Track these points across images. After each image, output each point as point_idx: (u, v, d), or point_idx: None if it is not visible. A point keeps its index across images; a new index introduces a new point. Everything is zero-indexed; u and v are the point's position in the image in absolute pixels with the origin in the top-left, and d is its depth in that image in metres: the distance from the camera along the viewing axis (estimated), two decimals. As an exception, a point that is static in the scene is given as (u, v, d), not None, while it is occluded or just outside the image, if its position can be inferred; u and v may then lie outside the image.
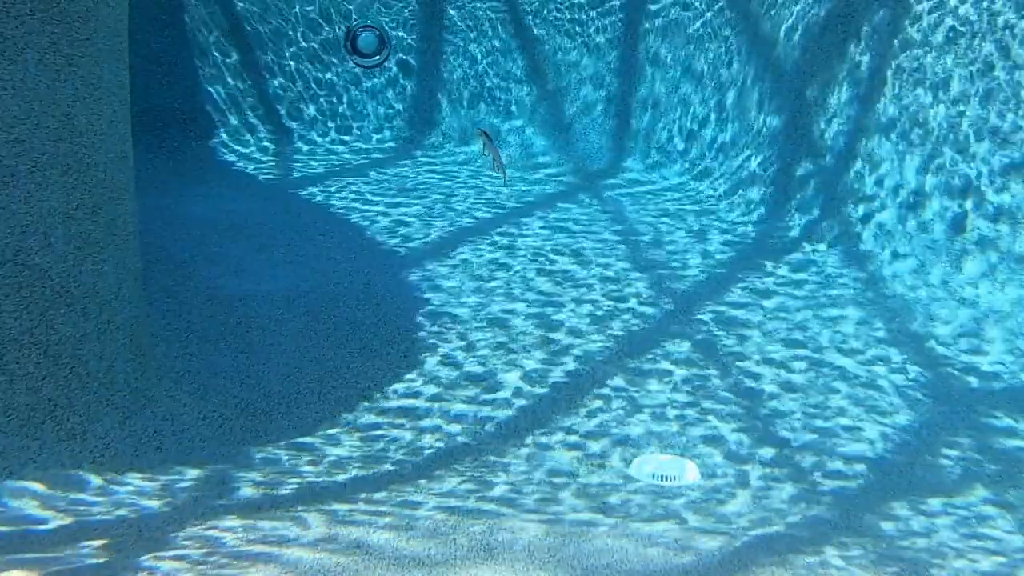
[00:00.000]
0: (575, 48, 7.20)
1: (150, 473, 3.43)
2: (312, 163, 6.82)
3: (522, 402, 4.08)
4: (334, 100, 7.23)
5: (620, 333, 4.63)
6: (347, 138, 7.18)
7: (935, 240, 5.14)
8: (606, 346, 4.52)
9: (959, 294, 4.91)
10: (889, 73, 5.50)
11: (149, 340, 3.97)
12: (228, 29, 7.07)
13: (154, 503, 3.25)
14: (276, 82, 7.15)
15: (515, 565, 2.92)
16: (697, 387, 4.21)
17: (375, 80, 7.26)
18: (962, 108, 5.15)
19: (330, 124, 7.21)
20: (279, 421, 3.88)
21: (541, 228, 5.84)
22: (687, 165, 6.68)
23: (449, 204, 6.18)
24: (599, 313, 4.82)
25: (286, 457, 3.66)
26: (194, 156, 6.77)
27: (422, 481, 3.50)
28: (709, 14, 6.75)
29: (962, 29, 5.20)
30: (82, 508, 3.17)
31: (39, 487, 3.22)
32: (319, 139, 7.15)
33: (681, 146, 6.79)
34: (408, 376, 4.23)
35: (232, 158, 6.82)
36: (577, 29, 7.19)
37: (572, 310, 4.85)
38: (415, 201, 6.21)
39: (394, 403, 4.05)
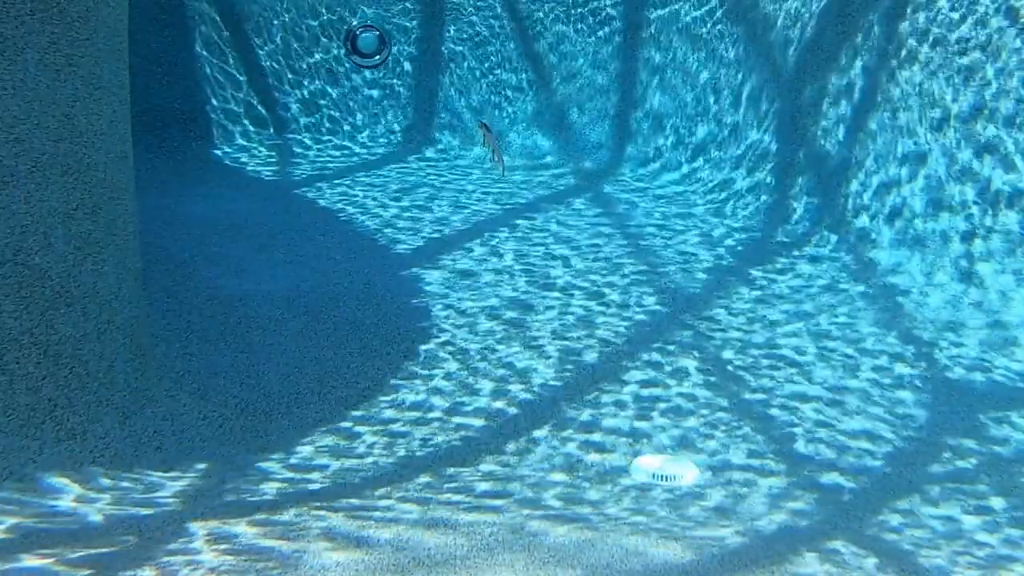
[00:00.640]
0: (576, 48, 7.20)
1: (150, 473, 3.43)
2: (312, 163, 6.82)
3: (521, 402, 4.08)
4: (334, 100, 7.23)
5: (620, 333, 4.63)
6: (347, 138, 7.18)
7: (936, 240, 5.14)
8: (607, 346, 4.51)
9: (960, 294, 4.91)
10: (889, 73, 5.50)
11: (149, 340, 3.97)
12: (228, 29, 7.07)
13: (154, 503, 3.25)
14: (276, 82, 7.15)
15: (515, 565, 2.92)
16: (696, 387, 4.21)
17: (375, 80, 7.26)
18: (963, 108, 5.15)
19: (330, 124, 7.21)
20: (279, 421, 3.88)
21: (541, 228, 5.84)
22: (686, 165, 6.68)
23: (450, 203, 6.18)
24: (599, 313, 4.82)
25: (287, 456, 3.66)
26: (194, 156, 6.77)
27: (422, 480, 3.50)
28: (709, 15, 6.75)
29: (962, 29, 5.20)
30: (82, 508, 3.18)
31: (39, 487, 3.22)
32: (319, 139, 7.15)
33: (680, 146, 6.79)
34: (408, 376, 4.23)
35: (232, 158, 6.82)
36: (578, 29, 7.19)
37: (572, 310, 4.85)
38: (415, 201, 6.21)
39: (393, 403, 4.05)
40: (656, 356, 4.45)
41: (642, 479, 3.59)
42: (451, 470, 3.60)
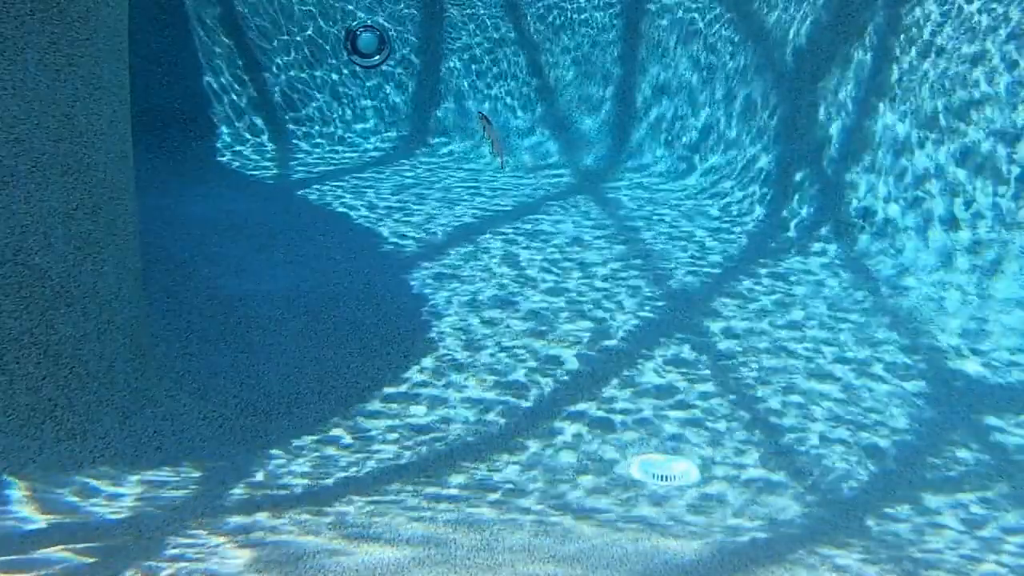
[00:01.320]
0: (576, 48, 7.20)
1: (150, 473, 3.43)
2: (312, 163, 6.83)
3: (521, 401, 4.08)
4: (334, 100, 7.23)
5: (621, 333, 4.63)
6: (347, 138, 7.18)
7: (936, 240, 5.14)
8: (607, 345, 4.51)
9: (961, 294, 4.91)
10: (889, 73, 5.50)
11: (149, 340, 3.97)
12: (228, 29, 7.07)
13: (153, 503, 3.25)
14: (276, 82, 7.15)
15: (515, 565, 2.92)
16: (696, 386, 4.21)
17: (375, 80, 7.26)
18: (963, 108, 5.15)
19: (330, 124, 7.21)
20: (279, 421, 3.88)
21: (541, 227, 5.84)
22: (687, 165, 6.68)
23: (450, 203, 6.18)
24: (599, 313, 4.82)
25: (289, 456, 3.66)
26: (194, 156, 6.77)
27: (422, 480, 3.50)
28: (709, 15, 6.75)
29: (963, 29, 5.20)
30: (82, 508, 3.18)
31: (37, 487, 3.22)
32: (319, 139, 7.15)
33: (681, 146, 6.79)
34: (408, 376, 4.23)
35: (232, 158, 6.82)
36: (578, 28, 7.19)
37: (573, 309, 4.85)
38: (416, 200, 6.21)
39: (394, 402, 4.05)
40: (656, 355, 4.44)
41: (642, 479, 3.59)
42: (450, 470, 3.60)
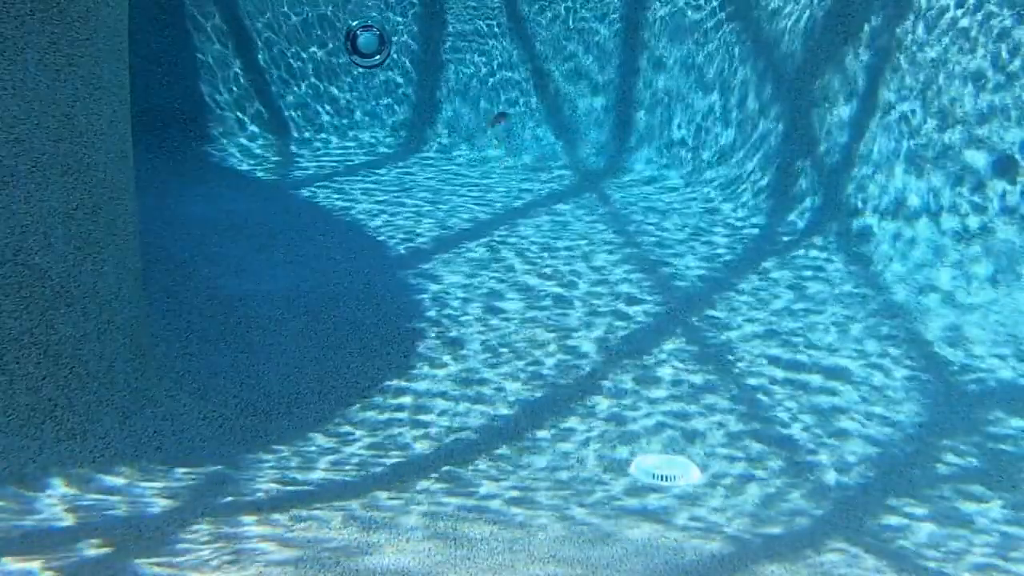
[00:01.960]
0: (577, 47, 7.20)
1: (150, 473, 3.43)
2: (312, 163, 6.83)
3: (521, 401, 4.08)
4: (334, 100, 7.24)
5: (621, 333, 4.63)
6: (347, 138, 7.19)
7: (936, 240, 5.14)
8: (608, 344, 4.52)
9: (961, 294, 4.91)
10: (889, 73, 5.50)
11: (149, 340, 3.97)
12: (229, 29, 7.07)
13: (153, 503, 3.25)
14: (276, 81, 7.15)
15: (515, 565, 2.92)
16: (696, 387, 4.21)
17: (376, 80, 7.26)
18: (964, 108, 5.15)
19: (330, 124, 7.22)
20: (279, 421, 3.88)
21: (542, 227, 5.84)
22: (687, 165, 6.68)
23: (450, 203, 6.18)
24: (599, 312, 4.82)
25: (289, 455, 3.66)
26: (194, 156, 6.77)
27: (421, 480, 3.50)
28: (710, 15, 6.75)
29: (963, 28, 5.20)
30: (81, 508, 3.18)
31: (38, 487, 3.23)
32: (319, 139, 7.15)
33: (681, 146, 6.79)
34: (408, 376, 4.23)
35: (232, 158, 6.82)
36: (579, 28, 7.19)
37: (573, 309, 4.85)
38: (416, 201, 6.22)
39: (394, 401, 4.05)
40: (656, 355, 4.45)
41: (642, 479, 3.59)
42: (450, 469, 3.60)
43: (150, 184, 5.97)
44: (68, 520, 3.09)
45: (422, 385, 4.17)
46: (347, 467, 3.59)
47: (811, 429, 3.93)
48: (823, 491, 3.54)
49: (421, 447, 3.75)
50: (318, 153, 6.99)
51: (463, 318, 4.74)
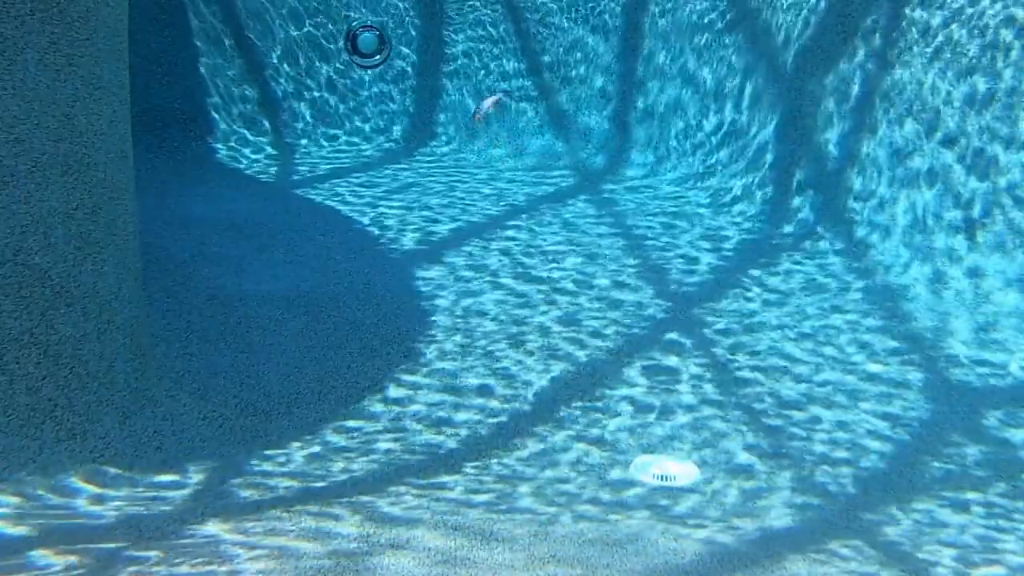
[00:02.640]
0: (576, 47, 7.20)
1: (150, 473, 3.43)
2: (312, 163, 6.82)
3: (522, 401, 4.08)
4: (334, 100, 7.24)
5: (621, 333, 4.63)
6: (347, 138, 7.18)
7: (936, 240, 5.14)
8: (608, 346, 4.52)
9: (961, 294, 4.91)
10: (889, 72, 5.50)
11: (149, 340, 3.97)
12: (228, 29, 7.07)
13: (153, 503, 3.25)
14: (276, 82, 7.15)
15: (515, 564, 2.92)
16: (697, 387, 4.21)
17: (375, 80, 7.26)
18: (964, 108, 5.15)
19: (330, 124, 7.21)
20: (279, 421, 3.88)
21: (542, 227, 5.84)
22: (687, 165, 6.68)
23: (450, 203, 6.18)
24: (600, 312, 4.82)
25: (289, 455, 3.66)
26: (194, 156, 6.77)
27: (420, 480, 3.50)
28: (710, 16, 6.75)
29: (964, 28, 5.20)
30: (82, 508, 3.18)
31: (37, 487, 3.23)
32: (319, 139, 7.15)
33: (681, 146, 6.79)
34: (408, 376, 4.23)
35: (232, 158, 6.82)
36: (578, 27, 7.19)
37: (573, 309, 4.85)
38: (416, 200, 6.21)
39: (394, 402, 4.05)
40: (656, 355, 4.45)
41: (642, 478, 3.59)
42: (450, 468, 3.60)
43: (150, 184, 5.97)
44: (68, 520, 3.09)
45: (422, 384, 4.17)
46: (347, 467, 3.59)
47: (811, 428, 3.93)
48: (823, 491, 3.54)
49: (422, 447, 3.75)
50: (318, 153, 6.99)
51: (464, 318, 4.74)
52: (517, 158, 7.04)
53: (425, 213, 6.02)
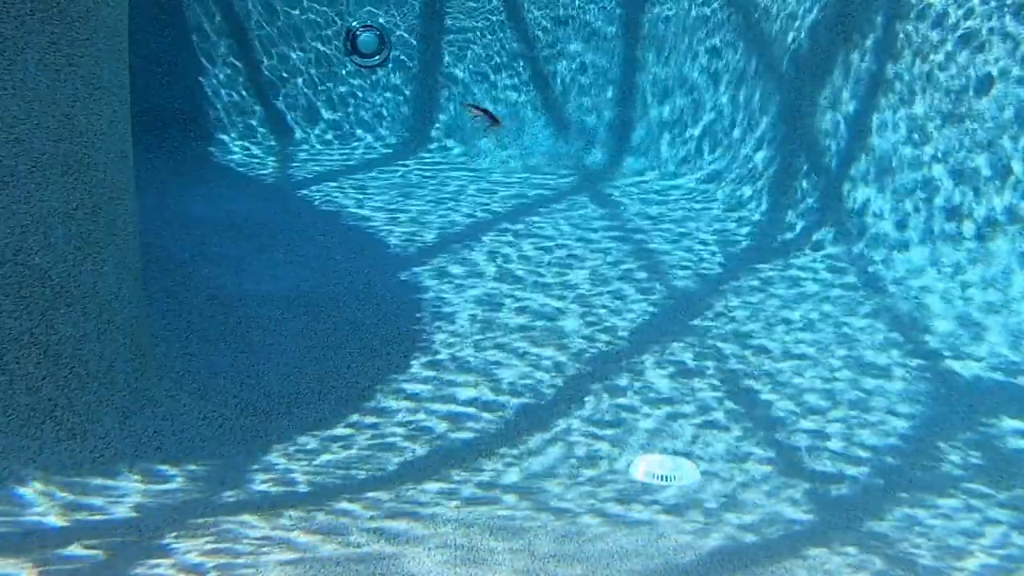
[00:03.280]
0: (576, 47, 7.20)
1: (150, 473, 3.43)
2: (312, 163, 6.82)
3: (522, 401, 4.08)
4: (335, 100, 7.23)
5: (621, 333, 4.63)
6: (348, 137, 7.19)
7: (937, 240, 5.14)
8: (608, 346, 4.51)
9: (962, 294, 4.91)
10: (889, 72, 5.50)
11: (149, 340, 3.97)
12: (229, 29, 7.07)
13: (153, 503, 3.25)
14: (276, 82, 7.15)
15: (515, 564, 2.92)
16: (697, 387, 4.21)
17: (376, 80, 7.25)
18: (964, 108, 5.15)
19: (331, 124, 7.21)
20: (279, 421, 3.88)
21: (543, 227, 5.84)
22: (687, 165, 6.68)
23: (450, 203, 6.18)
24: (600, 313, 4.82)
25: (289, 455, 3.66)
26: (194, 156, 6.77)
27: (420, 480, 3.50)
28: (710, 15, 6.75)
29: (963, 28, 5.20)
30: (81, 508, 3.18)
31: (37, 487, 3.22)
32: (319, 139, 7.15)
33: (681, 146, 6.79)
34: (408, 376, 4.23)
35: (232, 158, 6.82)
36: (578, 26, 7.19)
37: (573, 309, 4.85)
38: (416, 201, 6.21)
39: (395, 401, 4.05)
40: (656, 355, 4.45)
41: (642, 478, 3.59)
42: (449, 468, 3.60)
43: (150, 184, 5.97)
44: (68, 520, 3.09)
45: (422, 385, 4.17)
46: (347, 468, 3.59)
47: (811, 428, 3.93)
48: (823, 490, 3.54)
49: (421, 448, 3.75)
50: (318, 153, 6.99)
51: (463, 318, 4.74)
52: (519, 159, 7.04)
53: (426, 213, 6.02)
